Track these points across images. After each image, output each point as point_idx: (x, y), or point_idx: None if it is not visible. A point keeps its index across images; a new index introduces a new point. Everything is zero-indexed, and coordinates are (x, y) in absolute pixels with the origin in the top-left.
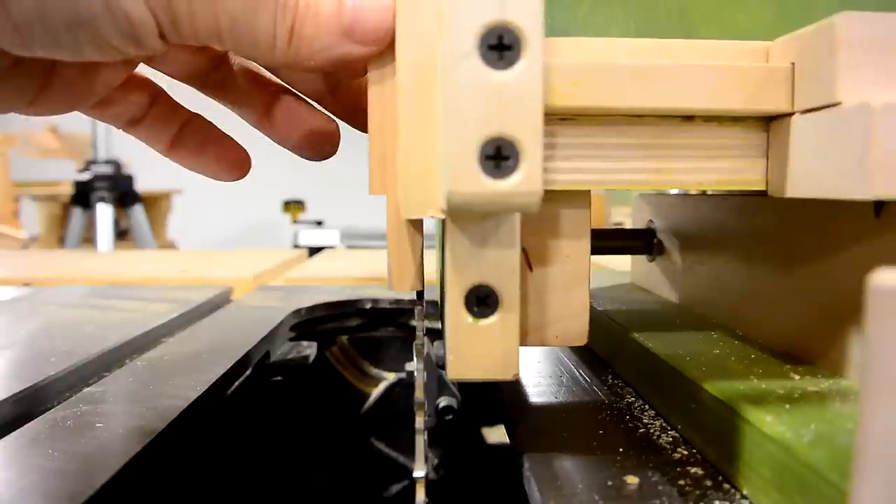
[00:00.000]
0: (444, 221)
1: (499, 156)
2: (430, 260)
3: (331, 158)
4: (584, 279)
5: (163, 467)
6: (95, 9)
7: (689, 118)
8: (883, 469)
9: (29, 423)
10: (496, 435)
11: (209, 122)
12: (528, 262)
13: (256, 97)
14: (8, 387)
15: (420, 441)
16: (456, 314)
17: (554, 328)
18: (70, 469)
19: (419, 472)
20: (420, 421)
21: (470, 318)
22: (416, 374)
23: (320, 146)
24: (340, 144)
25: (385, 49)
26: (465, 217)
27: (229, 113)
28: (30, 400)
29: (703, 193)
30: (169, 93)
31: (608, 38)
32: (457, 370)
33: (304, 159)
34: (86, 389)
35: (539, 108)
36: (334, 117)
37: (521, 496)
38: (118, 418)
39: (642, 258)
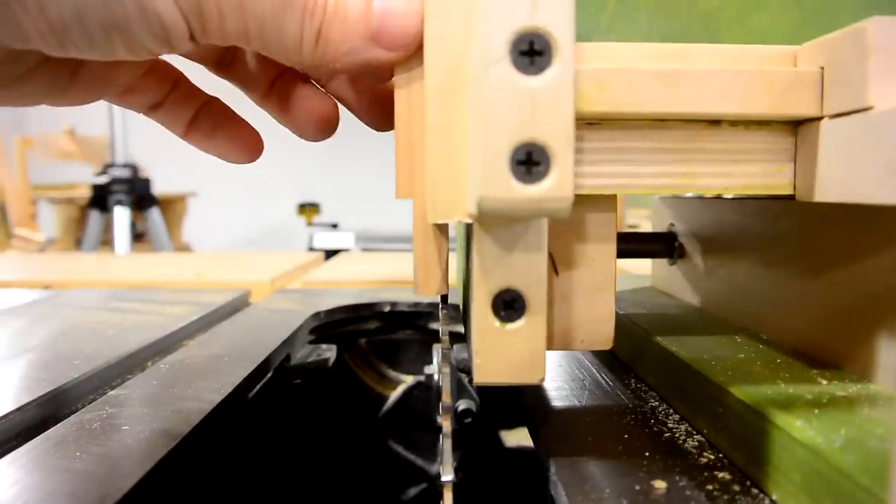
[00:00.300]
0: (468, 225)
1: (530, 161)
2: (452, 262)
3: (347, 161)
4: (609, 283)
5: (188, 470)
6: (130, 14)
7: (715, 122)
8: None
9: (56, 426)
10: (514, 438)
11: (224, 104)
12: (554, 266)
13: (262, 77)
14: (33, 389)
15: (447, 445)
16: (483, 318)
17: (579, 332)
18: (98, 472)
19: (447, 477)
20: (447, 426)
21: (497, 323)
22: (441, 379)
23: (320, 127)
24: (356, 148)
25: (412, 54)
26: (493, 222)
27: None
28: (55, 402)
29: (719, 197)
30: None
31: (634, 43)
32: (484, 374)
33: (307, 141)
34: (110, 392)
35: (570, 114)
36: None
37: (540, 499)
38: (144, 421)
39: (663, 262)
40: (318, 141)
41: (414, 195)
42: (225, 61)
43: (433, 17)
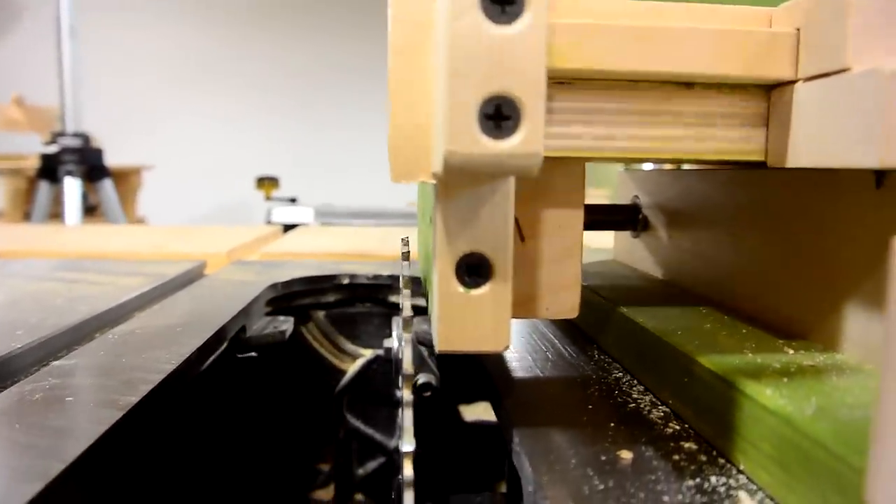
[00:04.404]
0: (432, 192)
1: (499, 115)
2: (413, 236)
3: (306, 134)
4: (576, 251)
5: (136, 443)
6: None
7: (688, 85)
8: None
9: None
10: (474, 412)
11: None
12: (520, 232)
13: None
14: None
15: (408, 415)
16: (447, 284)
17: (545, 300)
18: (40, 444)
19: (407, 447)
20: (408, 395)
21: (461, 288)
22: (402, 345)
23: None
24: (316, 121)
25: None
26: (458, 182)
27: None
28: None
29: (681, 167)
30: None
31: None
32: (447, 342)
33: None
34: (55, 363)
35: (542, 66)
36: None
37: (499, 474)
38: (89, 392)
39: (625, 234)
40: None
41: None
42: None
43: None
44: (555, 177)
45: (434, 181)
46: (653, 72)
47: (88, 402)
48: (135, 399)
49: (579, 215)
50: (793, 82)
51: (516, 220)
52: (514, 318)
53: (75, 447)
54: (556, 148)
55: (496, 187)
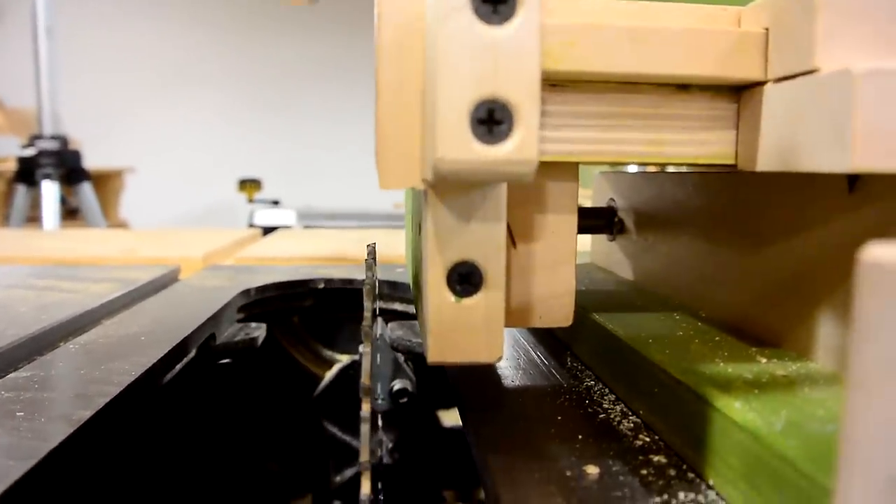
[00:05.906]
0: (420, 196)
1: (491, 120)
2: (400, 239)
3: (289, 136)
4: (570, 257)
5: (93, 457)
6: None
7: (684, 87)
8: (873, 466)
9: None
10: (452, 417)
11: None
12: (512, 238)
13: None
14: None
15: (365, 430)
16: (437, 293)
17: (538, 308)
18: None
19: (364, 462)
20: (366, 409)
21: (452, 298)
22: (362, 357)
23: None
24: (298, 122)
25: None
26: (448, 188)
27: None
28: None
29: (664, 171)
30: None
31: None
32: (438, 353)
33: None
34: (10, 374)
35: (536, 68)
36: None
37: (475, 480)
38: (41, 406)
39: (602, 238)
40: None
41: None
42: None
43: None
44: (547, 181)
45: (424, 188)
46: (645, 74)
47: (38, 418)
48: (88, 413)
49: (573, 221)
50: (762, 83)
51: (508, 226)
52: (506, 327)
53: (18, 467)
54: (550, 153)
55: (488, 194)
